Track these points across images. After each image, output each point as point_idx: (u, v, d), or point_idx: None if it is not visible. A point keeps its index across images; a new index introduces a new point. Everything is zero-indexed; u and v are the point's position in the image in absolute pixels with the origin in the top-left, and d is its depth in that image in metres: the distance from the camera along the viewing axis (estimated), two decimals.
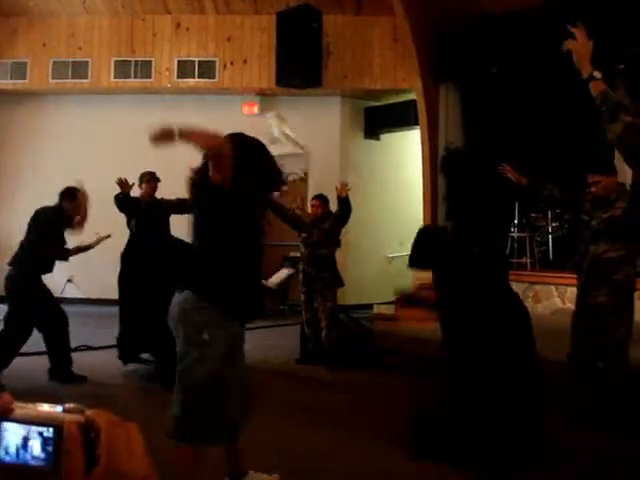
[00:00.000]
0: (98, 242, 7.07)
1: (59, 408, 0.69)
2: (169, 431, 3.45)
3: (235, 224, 3.52)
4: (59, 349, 6.54)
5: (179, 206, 7.33)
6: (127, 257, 7.38)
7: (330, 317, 7.52)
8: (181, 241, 7.23)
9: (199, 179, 3.51)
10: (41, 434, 0.67)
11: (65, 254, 6.75)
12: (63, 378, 6.43)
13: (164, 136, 3.16)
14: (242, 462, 3.91)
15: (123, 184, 7.30)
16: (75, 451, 0.67)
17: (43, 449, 0.67)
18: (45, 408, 0.69)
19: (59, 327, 6.53)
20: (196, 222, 3.68)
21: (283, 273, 11.09)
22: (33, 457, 0.67)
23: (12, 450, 0.68)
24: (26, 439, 0.67)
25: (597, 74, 2.99)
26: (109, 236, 7.13)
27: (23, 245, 6.48)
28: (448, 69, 10.33)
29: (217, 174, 3.36)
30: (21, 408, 0.69)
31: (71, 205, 6.52)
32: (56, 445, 0.67)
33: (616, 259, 5.18)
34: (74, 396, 6.07)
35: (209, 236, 3.56)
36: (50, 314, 6.50)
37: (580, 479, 4.27)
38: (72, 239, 6.83)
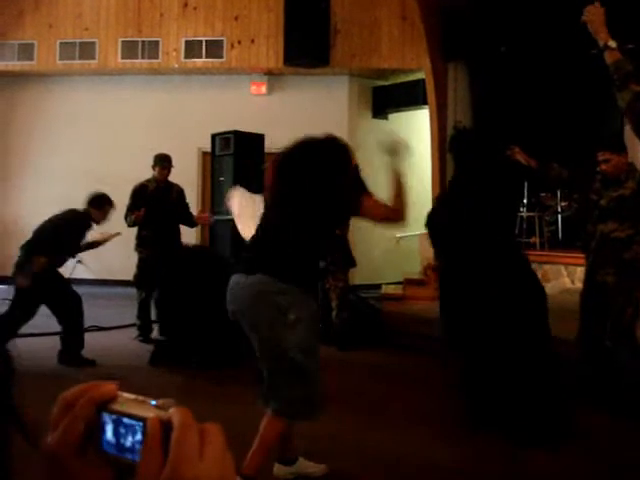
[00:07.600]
0: (106, 239, 7.02)
1: (152, 402, 0.68)
2: (279, 410, 3.48)
3: (340, 217, 3.97)
4: (72, 333, 6.55)
5: (183, 212, 7.79)
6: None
7: (341, 297, 7.54)
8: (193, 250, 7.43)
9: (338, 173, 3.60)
10: (132, 428, 0.67)
11: (75, 252, 6.89)
12: (72, 362, 6.44)
13: (395, 151, 3.61)
14: (293, 447, 3.92)
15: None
16: (154, 449, 0.65)
17: (134, 443, 0.67)
18: (138, 401, 0.69)
19: (74, 311, 6.56)
20: (301, 208, 3.57)
21: None
22: (126, 450, 0.67)
23: (111, 441, 0.68)
24: (120, 432, 0.67)
25: (612, 43, 2.97)
26: (119, 234, 7.10)
27: (40, 236, 6.41)
28: (456, 48, 10.26)
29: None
30: (117, 399, 0.69)
31: (98, 214, 6.58)
32: (143, 441, 0.66)
33: (624, 238, 5.17)
34: (88, 377, 6.11)
35: (308, 224, 3.53)
36: (64, 298, 6.52)
37: (594, 460, 4.28)
38: None
